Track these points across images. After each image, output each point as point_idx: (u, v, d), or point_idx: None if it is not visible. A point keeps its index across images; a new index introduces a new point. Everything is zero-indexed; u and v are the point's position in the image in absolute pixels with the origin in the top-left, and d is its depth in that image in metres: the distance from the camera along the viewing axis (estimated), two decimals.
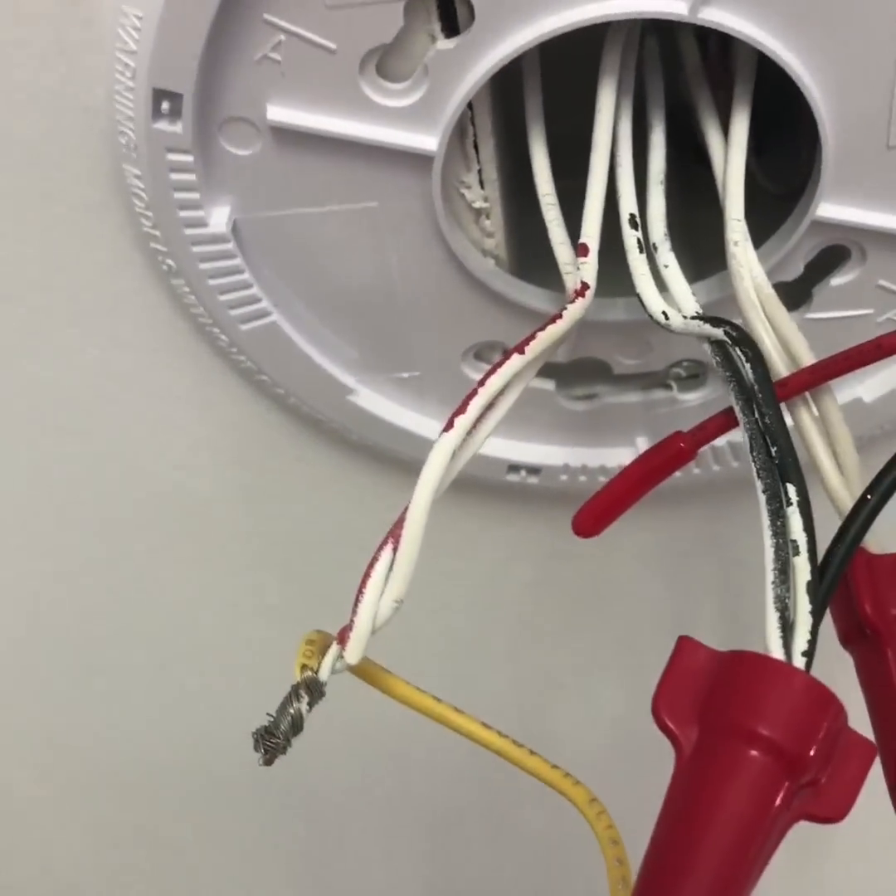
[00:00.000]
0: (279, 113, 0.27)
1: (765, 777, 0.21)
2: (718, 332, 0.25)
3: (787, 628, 0.22)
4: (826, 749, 0.21)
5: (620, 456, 0.34)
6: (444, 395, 0.33)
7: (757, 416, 0.24)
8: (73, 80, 0.28)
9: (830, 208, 0.29)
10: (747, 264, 0.28)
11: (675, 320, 0.27)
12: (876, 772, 0.23)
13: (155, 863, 0.51)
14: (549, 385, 0.34)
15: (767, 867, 0.21)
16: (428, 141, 0.28)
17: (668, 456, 0.27)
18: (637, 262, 0.28)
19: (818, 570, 0.23)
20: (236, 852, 0.50)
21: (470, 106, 0.28)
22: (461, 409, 0.24)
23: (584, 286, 0.27)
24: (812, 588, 0.22)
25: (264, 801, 0.47)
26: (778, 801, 0.21)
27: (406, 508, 0.24)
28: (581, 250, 0.28)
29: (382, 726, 0.40)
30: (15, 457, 0.37)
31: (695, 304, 0.27)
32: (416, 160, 0.28)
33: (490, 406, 0.25)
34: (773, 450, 0.24)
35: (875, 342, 0.25)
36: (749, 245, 0.28)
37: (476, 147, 0.29)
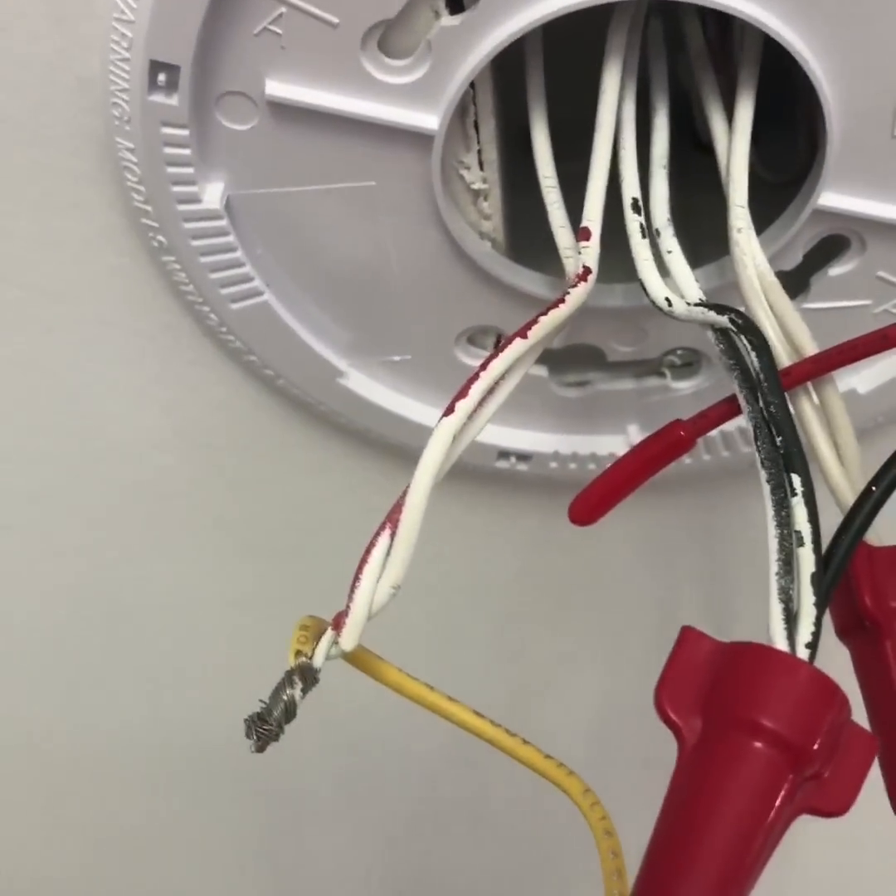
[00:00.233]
0: (278, 88, 0.27)
1: (769, 770, 0.21)
2: (723, 320, 0.25)
3: (790, 620, 0.22)
4: (830, 742, 0.21)
5: (612, 444, 0.34)
6: (435, 380, 0.33)
7: (762, 405, 0.24)
8: (67, 50, 0.28)
9: (832, 197, 0.29)
10: (750, 252, 0.27)
11: (679, 307, 0.27)
12: None
13: (123, 854, 0.50)
14: (542, 371, 0.33)
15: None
16: (429, 119, 0.27)
17: (667, 444, 0.27)
18: (640, 247, 0.27)
19: (823, 562, 0.23)
20: (206, 841, 0.49)
21: (472, 85, 0.27)
22: (463, 394, 0.24)
23: (587, 270, 0.27)
24: (816, 579, 0.22)
25: (235, 790, 0.47)
26: (782, 794, 0.21)
27: (405, 493, 0.23)
28: (583, 234, 0.27)
29: (357, 714, 0.40)
30: None
31: (698, 290, 0.27)
32: (416, 139, 0.27)
33: (490, 391, 0.25)
34: (778, 439, 0.23)
35: (881, 332, 0.24)
36: (752, 232, 0.28)
37: (477, 127, 0.29)
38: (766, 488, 0.23)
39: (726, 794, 0.21)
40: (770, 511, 0.23)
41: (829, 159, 0.28)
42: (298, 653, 0.23)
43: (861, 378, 0.33)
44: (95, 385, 0.34)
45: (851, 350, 0.25)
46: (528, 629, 0.41)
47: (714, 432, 0.33)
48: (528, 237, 0.31)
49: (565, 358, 0.33)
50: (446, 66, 0.27)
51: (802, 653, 0.22)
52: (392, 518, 0.23)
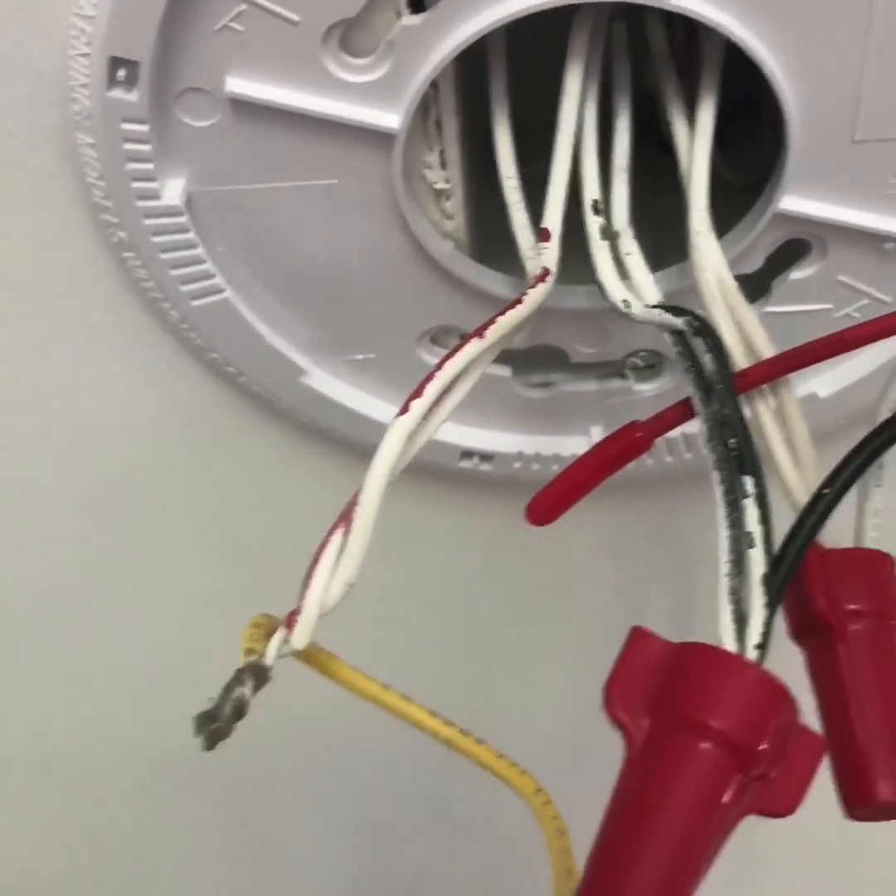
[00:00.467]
0: (238, 84, 0.27)
1: (715, 770, 0.21)
2: (679, 322, 0.25)
3: (740, 621, 0.22)
4: (778, 743, 0.21)
5: (575, 445, 0.34)
6: (398, 379, 0.33)
7: (716, 407, 0.24)
8: (26, 44, 0.27)
9: (794, 201, 0.29)
10: (709, 255, 0.27)
11: (637, 309, 0.27)
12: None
13: (92, 854, 0.50)
14: (505, 371, 0.33)
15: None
16: (390, 118, 0.27)
17: (625, 445, 0.27)
18: (599, 249, 0.27)
19: (773, 563, 0.23)
20: (180, 841, 0.49)
21: (434, 85, 0.27)
22: (417, 393, 0.24)
23: (546, 271, 0.27)
24: (767, 581, 0.22)
25: (201, 789, 0.47)
26: (728, 795, 0.21)
27: (358, 491, 0.23)
28: (543, 235, 0.27)
29: (319, 712, 0.40)
30: None
31: (657, 292, 0.27)
32: (378, 138, 0.27)
33: (447, 391, 0.25)
34: (731, 442, 0.24)
35: (838, 335, 0.25)
36: (712, 235, 0.28)
37: (439, 127, 0.29)
38: (719, 490, 0.23)
39: (672, 793, 0.21)
40: (722, 512, 0.23)
41: (791, 163, 0.28)
42: (250, 651, 0.23)
43: (822, 381, 0.33)
44: (54, 382, 0.34)
45: (809, 353, 0.25)
46: (491, 629, 0.41)
47: (676, 434, 0.33)
48: (494, 237, 0.31)
49: (529, 358, 0.33)
50: (407, 66, 0.27)
51: (752, 654, 0.22)
52: (345, 516, 0.23)
